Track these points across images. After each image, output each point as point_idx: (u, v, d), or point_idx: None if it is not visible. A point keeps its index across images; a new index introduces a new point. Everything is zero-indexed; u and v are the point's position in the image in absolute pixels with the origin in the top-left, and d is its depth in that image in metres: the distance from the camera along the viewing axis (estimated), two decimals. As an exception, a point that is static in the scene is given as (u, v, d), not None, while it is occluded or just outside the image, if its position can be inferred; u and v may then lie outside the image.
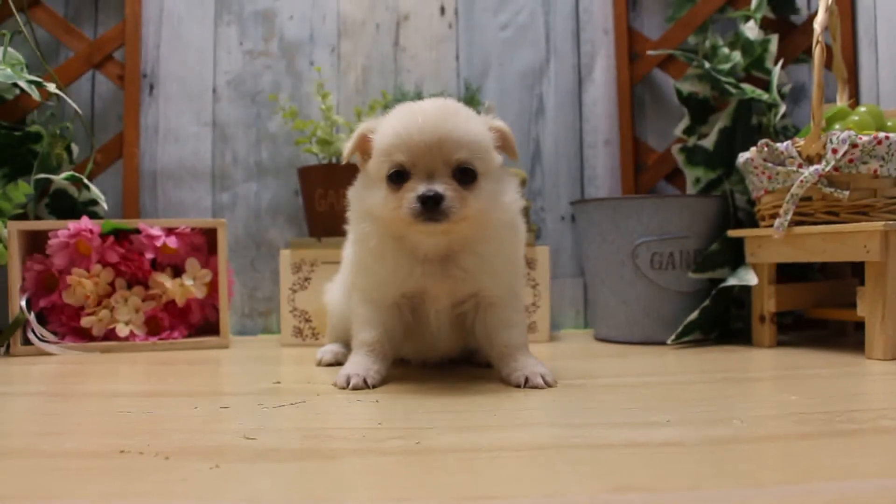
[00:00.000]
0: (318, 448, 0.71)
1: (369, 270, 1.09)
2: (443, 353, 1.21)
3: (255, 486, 0.58)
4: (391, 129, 1.00)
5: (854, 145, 1.27)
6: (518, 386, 1.04)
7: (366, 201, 1.05)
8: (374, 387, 1.03)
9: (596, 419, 0.83)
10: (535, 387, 1.03)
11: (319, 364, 1.29)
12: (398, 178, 0.99)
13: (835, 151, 1.29)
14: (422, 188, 0.96)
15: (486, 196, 1.01)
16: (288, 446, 0.71)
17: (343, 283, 1.26)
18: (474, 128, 1.01)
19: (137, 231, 1.58)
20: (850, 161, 1.29)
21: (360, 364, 1.07)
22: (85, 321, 1.54)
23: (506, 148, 1.07)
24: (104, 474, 0.62)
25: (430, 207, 0.96)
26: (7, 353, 1.49)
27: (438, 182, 0.97)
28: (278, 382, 1.12)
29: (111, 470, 0.63)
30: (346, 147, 1.07)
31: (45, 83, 1.61)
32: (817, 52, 1.32)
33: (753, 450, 0.68)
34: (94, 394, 1.06)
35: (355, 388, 1.02)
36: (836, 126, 1.38)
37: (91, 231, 1.53)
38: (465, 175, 0.99)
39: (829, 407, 0.86)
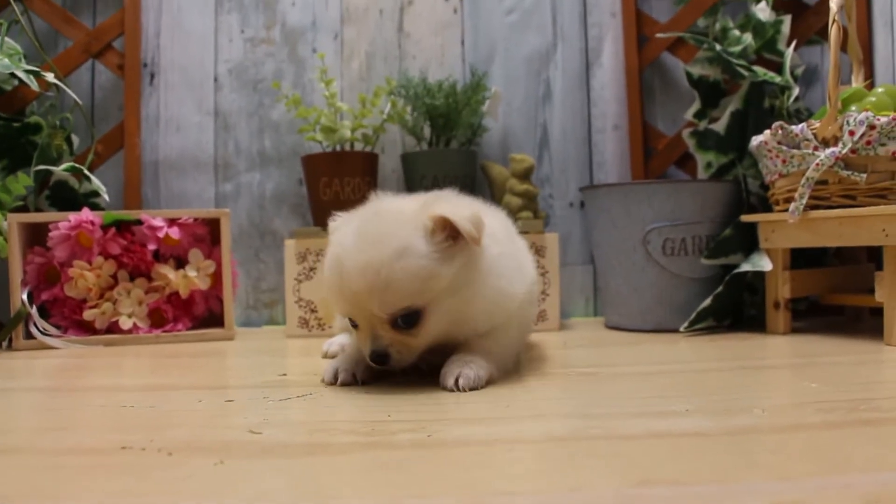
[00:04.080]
0: (326, 442, 0.68)
1: None
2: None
3: (261, 483, 0.56)
4: (328, 267, 0.93)
5: (872, 126, 1.24)
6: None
7: None
8: (363, 383, 0.97)
9: (613, 409, 0.80)
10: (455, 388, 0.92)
11: (325, 356, 1.26)
12: (350, 319, 0.96)
13: (852, 133, 1.26)
14: (368, 346, 0.92)
15: (439, 321, 0.91)
16: (295, 441, 0.69)
17: None
18: (405, 266, 0.86)
19: (139, 222, 1.56)
20: (868, 143, 1.25)
21: (349, 358, 1.01)
22: (87, 314, 1.52)
23: (461, 237, 0.89)
24: (106, 472, 0.60)
25: (382, 363, 0.92)
26: (10, 347, 1.48)
27: (382, 334, 0.91)
28: (284, 374, 1.10)
29: (113, 467, 0.61)
30: None
31: (43, 73, 1.58)
32: (833, 31, 1.28)
33: (779, 440, 0.66)
34: (97, 388, 1.04)
35: (343, 385, 0.96)
36: (853, 107, 1.34)
37: (92, 223, 1.51)
38: (407, 320, 0.89)
39: (851, 395, 0.83)
